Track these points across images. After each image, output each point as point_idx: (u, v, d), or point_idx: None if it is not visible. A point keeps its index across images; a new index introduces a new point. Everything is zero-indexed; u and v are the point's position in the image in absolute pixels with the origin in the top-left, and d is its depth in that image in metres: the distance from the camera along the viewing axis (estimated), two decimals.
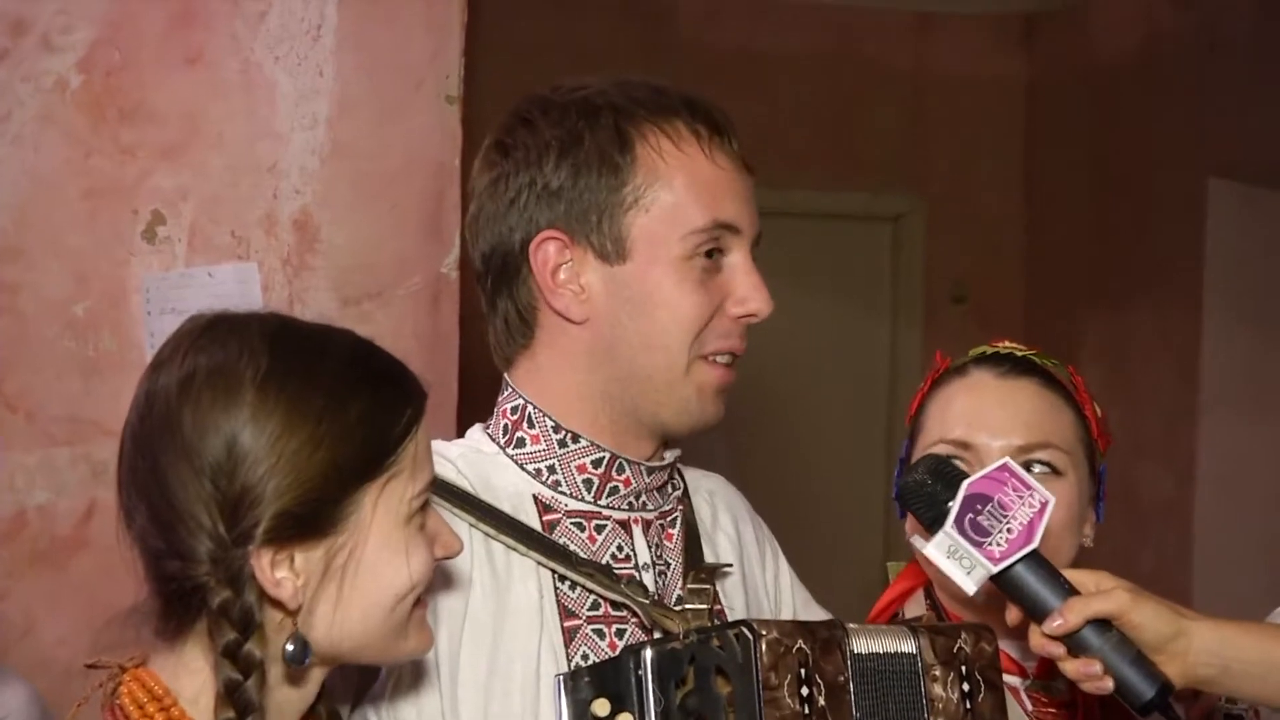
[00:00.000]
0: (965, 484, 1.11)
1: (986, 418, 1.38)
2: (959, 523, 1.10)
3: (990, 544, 1.09)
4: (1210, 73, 3.79)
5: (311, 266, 2.24)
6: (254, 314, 1.00)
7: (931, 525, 1.14)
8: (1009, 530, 1.10)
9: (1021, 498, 1.10)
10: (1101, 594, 1.08)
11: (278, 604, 0.91)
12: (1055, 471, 1.35)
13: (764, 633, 1.07)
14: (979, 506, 1.10)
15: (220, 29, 2.20)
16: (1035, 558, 1.10)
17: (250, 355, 0.91)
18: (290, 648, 0.92)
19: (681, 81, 1.29)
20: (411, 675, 1.14)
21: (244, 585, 0.90)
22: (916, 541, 1.23)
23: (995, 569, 1.08)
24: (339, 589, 0.93)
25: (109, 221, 2.26)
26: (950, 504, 1.11)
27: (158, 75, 2.32)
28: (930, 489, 1.17)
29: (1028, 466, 1.32)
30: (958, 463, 1.29)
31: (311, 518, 0.91)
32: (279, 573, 0.90)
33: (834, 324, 4.14)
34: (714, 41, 4.20)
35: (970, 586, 1.10)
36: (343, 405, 0.93)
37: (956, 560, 1.10)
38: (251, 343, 0.93)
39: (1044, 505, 1.10)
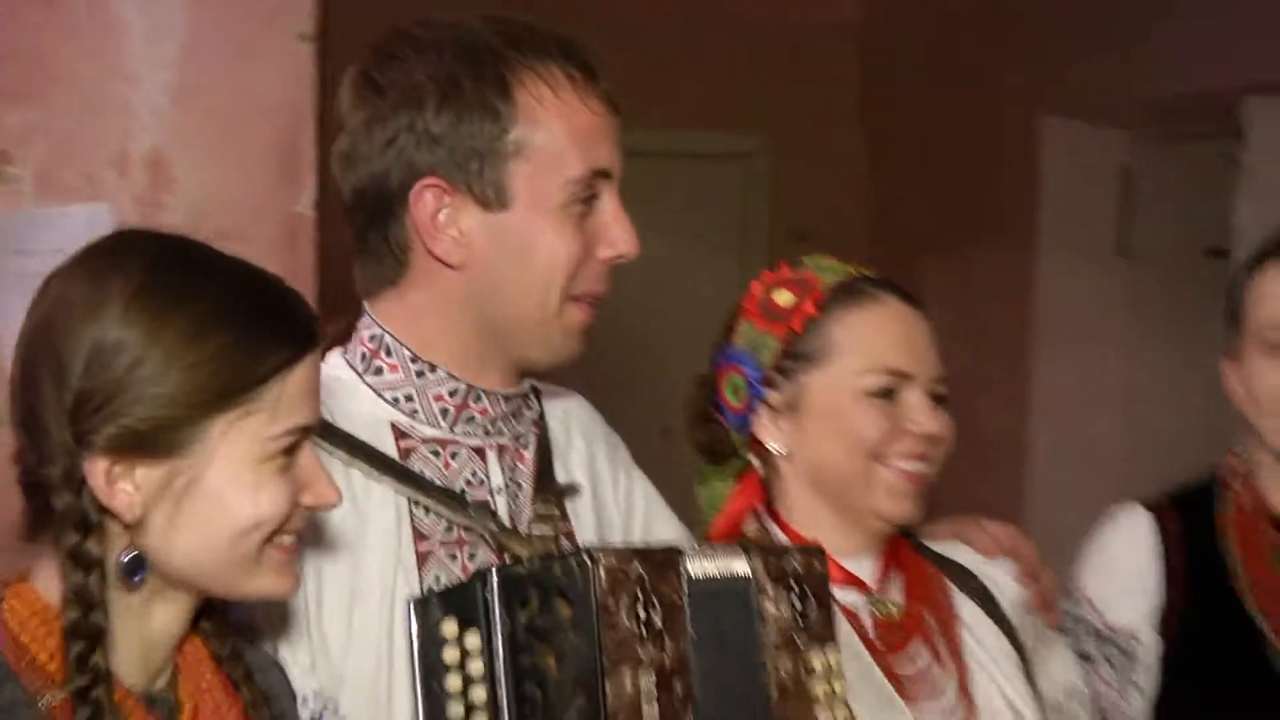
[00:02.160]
0: None
1: (918, 347, 1.41)
2: None
3: None
4: (1040, 13, 4.09)
5: (165, 206, 2.27)
6: (159, 234, 1.01)
7: None
8: None
9: None
10: None
11: (113, 514, 0.93)
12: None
13: (601, 559, 1.11)
14: None
15: None
16: None
17: (127, 272, 0.92)
18: (124, 559, 0.93)
19: (533, 15, 1.30)
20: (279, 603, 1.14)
21: (81, 489, 0.91)
22: None
23: None
24: (176, 511, 0.93)
25: None
26: None
27: (5, 13, 2.28)
28: None
29: (939, 398, 1.41)
30: (889, 394, 1.37)
31: (154, 437, 0.92)
32: (120, 484, 0.92)
33: (681, 261, 4.24)
34: None
35: None
36: (204, 335, 0.93)
37: None
38: (134, 260, 0.94)
39: None
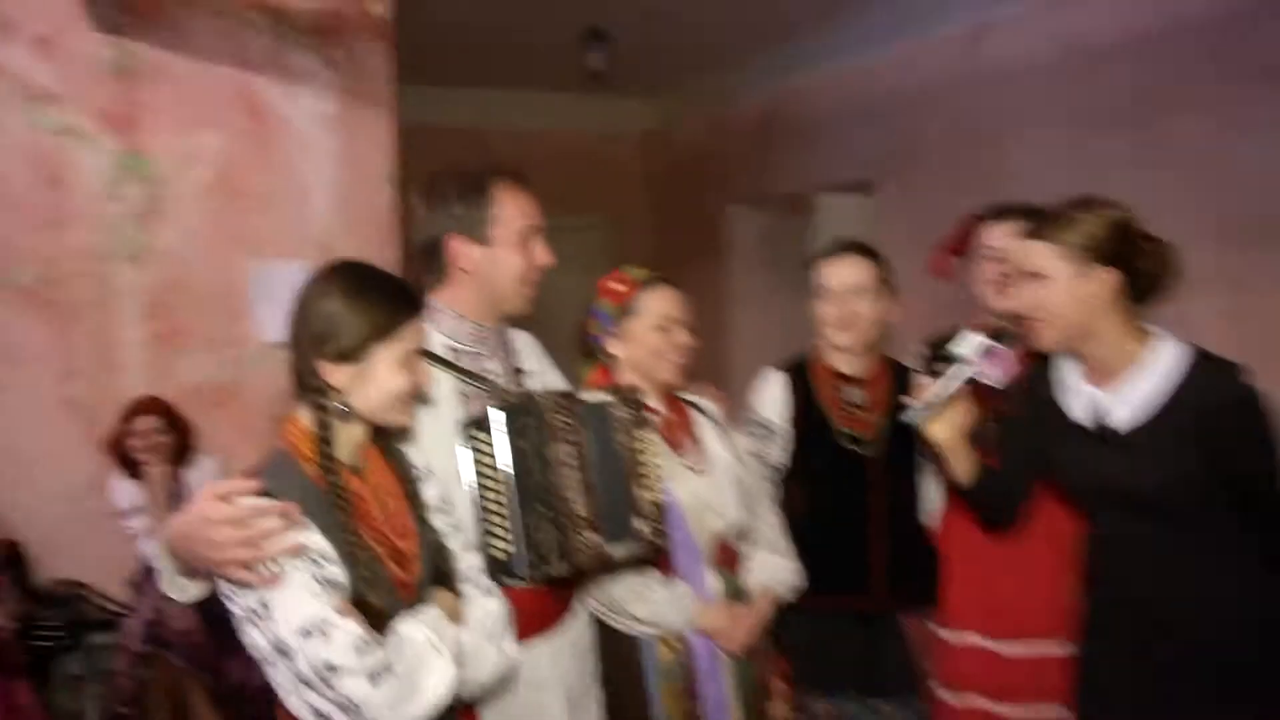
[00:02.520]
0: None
1: (679, 308, 2.17)
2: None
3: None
4: (725, 153, 6.79)
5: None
6: (351, 261, 1.59)
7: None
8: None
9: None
10: None
11: (334, 388, 1.51)
12: None
13: (547, 397, 1.81)
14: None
15: None
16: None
17: (335, 279, 1.53)
18: (340, 408, 1.52)
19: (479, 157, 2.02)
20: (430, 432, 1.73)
21: (318, 376, 1.50)
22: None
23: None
24: (362, 385, 1.53)
25: None
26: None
27: (255, 184, 3.95)
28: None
29: (690, 330, 2.15)
30: (665, 329, 2.09)
31: (350, 353, 1.51)
32: (334, 374, 1.50)
33: (564, 278, 5.70)
34: None
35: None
36: (373, 306, 1.51)
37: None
38: (339, 273, 1.55)
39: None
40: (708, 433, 2.24)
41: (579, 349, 2.23)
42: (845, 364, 2.45)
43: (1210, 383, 1.81)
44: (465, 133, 6.88)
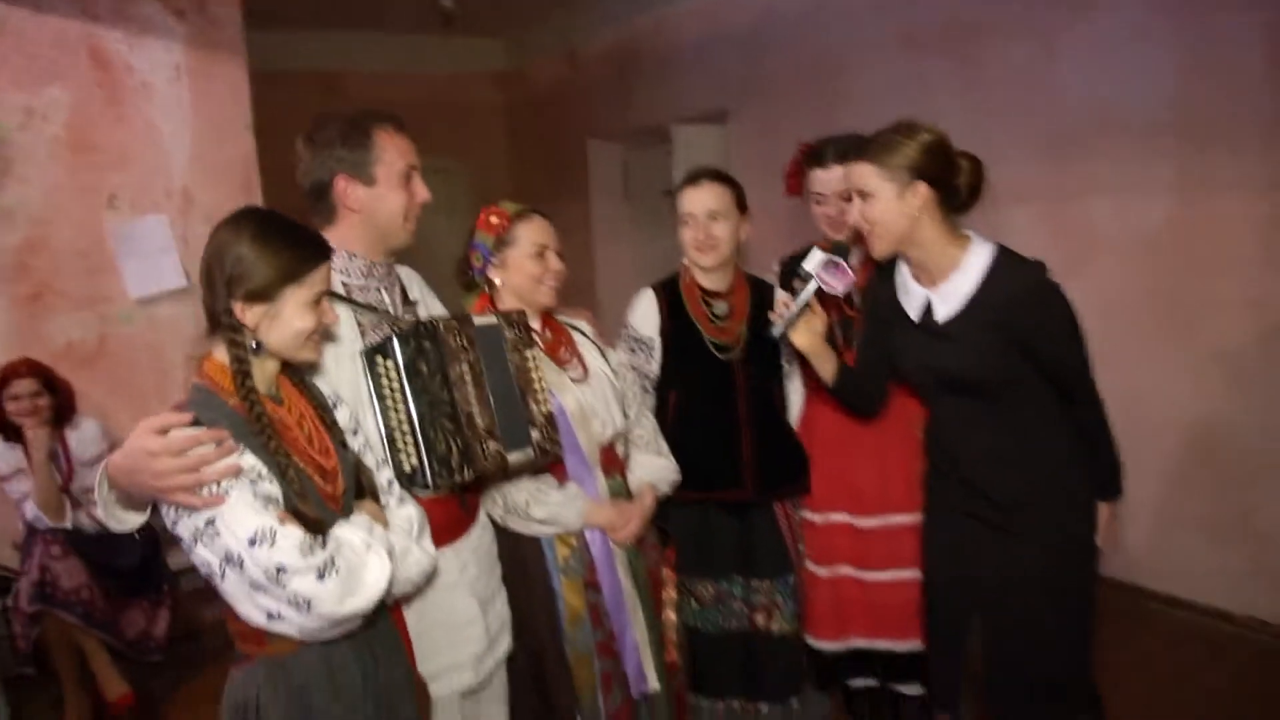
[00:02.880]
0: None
1: (550, 237, 2.30)
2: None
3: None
4: (589, 87, 6.92)
5: (192, 214, 4.06)
6: (256, 208, 1.67)
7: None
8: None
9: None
10: None
11: (247, 326, 1.62)
12: None
13: (441, 320, 1.93)
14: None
15: None
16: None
17: (245, 224, 1.63)
18: (253, 344, 1.64)
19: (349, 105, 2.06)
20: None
21: (232, 316, 1.61)
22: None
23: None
24: (272, 324, 1.64)
25: None
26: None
27: (106, 128, 3.91)
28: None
29: (560, 256, 2.29)
30: (541, 255, 2.22)
31: (261, 293, 1.61)
32: (246, 314, 1.61)
33: (434, 218, 5.72)
34: None
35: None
36: (282, 249, 1.62)
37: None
38: (248, 218, 1.64)
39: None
40: (586, 349, 2.41)
41: (459, 281, 2.35)
42: (709, 280, 2.65)
43: (1010, 277, 2.07)
44: (319, 77, 6.81)
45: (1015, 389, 2.10)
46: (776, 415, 2.68)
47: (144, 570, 3.57)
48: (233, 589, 1.54)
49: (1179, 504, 3.85)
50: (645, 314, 2.66)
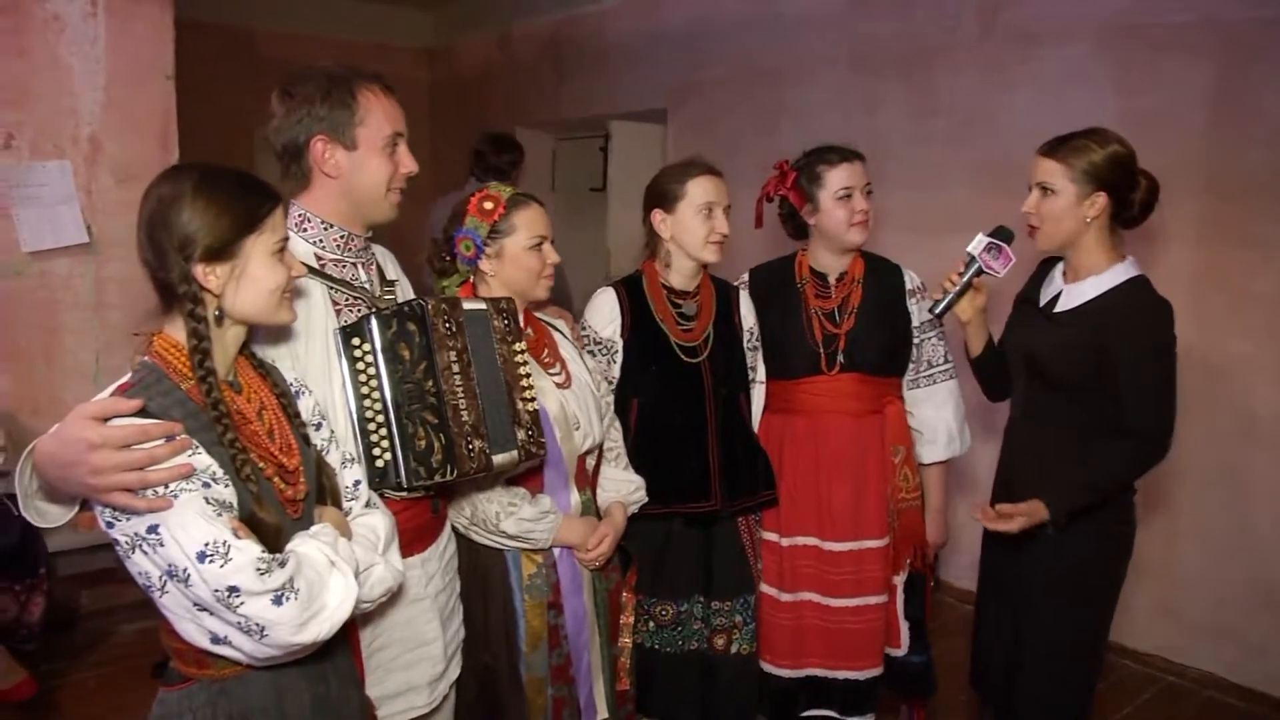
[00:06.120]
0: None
1: (546, 225, 2.14)
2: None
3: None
4: (517, 74, 6.74)
5: (99, 162, 3.69)
6: (194, 163, 1.47)
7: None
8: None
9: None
10: None
11: (209, 291, 1.42)
12: None
13: (429, 301, 1.76)
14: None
15: None
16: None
17: (186, 179, 1.42)
18: (216, 312, 1.44)
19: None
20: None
21: (192, 282, 1.40)
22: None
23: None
24: (238, 285, 1.45)
25: None
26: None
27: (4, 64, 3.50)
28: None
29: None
30: (538, 247, 2.06)
31: (221, 249, 1.42)
32: (209, 277, 1.41)
33: None
34: None
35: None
36: (233, 199, 1.44)
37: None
38: (187, 173, 1.44)
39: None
40: (567, 352, 2.27)
41: (432, 267, 2.18)
42: (680, 280, 2.53)
43: (1132, 293, 2.15)
44: (232, 32, 6.42)
45: (1088, 391, 2.17)
46: (744, 423, 2.56)
47: (20, 551, 3.23)
48: (174, 606, 1.35)
49: None
50: (606, 314, 2.50)
